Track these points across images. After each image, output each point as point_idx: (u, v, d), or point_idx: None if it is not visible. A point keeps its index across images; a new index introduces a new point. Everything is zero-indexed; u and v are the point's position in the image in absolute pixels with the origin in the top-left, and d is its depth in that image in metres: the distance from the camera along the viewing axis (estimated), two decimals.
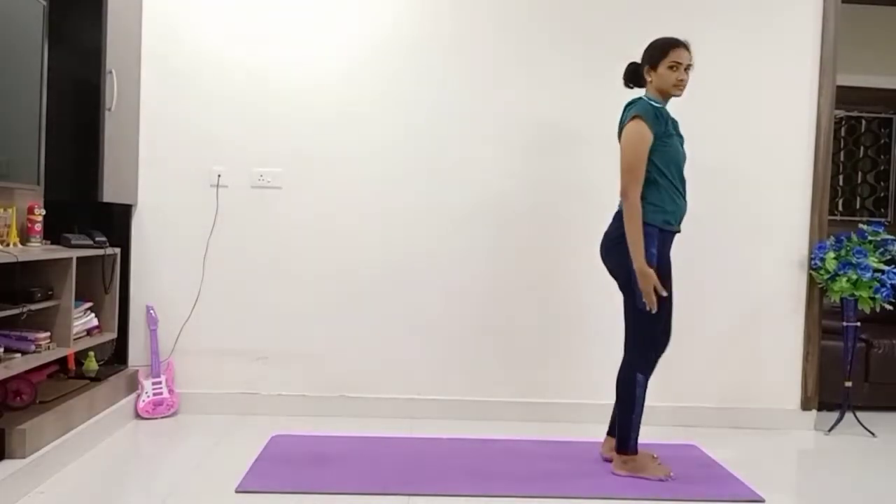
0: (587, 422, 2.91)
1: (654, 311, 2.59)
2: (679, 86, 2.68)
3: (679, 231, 2.75)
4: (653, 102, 2.69)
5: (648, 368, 2.74)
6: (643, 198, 2.62)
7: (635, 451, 2.74)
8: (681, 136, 2.78)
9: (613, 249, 2.70)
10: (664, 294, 2.60)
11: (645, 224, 2.60)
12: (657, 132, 2.63)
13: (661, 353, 2.78)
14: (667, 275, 2.70)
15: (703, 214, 3.52)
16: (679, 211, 2.72)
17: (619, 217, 2.68)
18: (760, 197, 3.55)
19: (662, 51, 2.69)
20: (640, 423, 2.74)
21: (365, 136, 3.48)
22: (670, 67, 2.66)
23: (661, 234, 2.66)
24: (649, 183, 2.65)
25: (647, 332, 2.68)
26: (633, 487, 2.64)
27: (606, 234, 2.77)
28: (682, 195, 2.73)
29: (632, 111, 2.66)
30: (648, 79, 2.72)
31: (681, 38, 2.70)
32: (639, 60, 2.77)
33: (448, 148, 3.49)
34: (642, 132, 2.61)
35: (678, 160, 2.72)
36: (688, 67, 2.68)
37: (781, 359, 3.58)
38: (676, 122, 2.79)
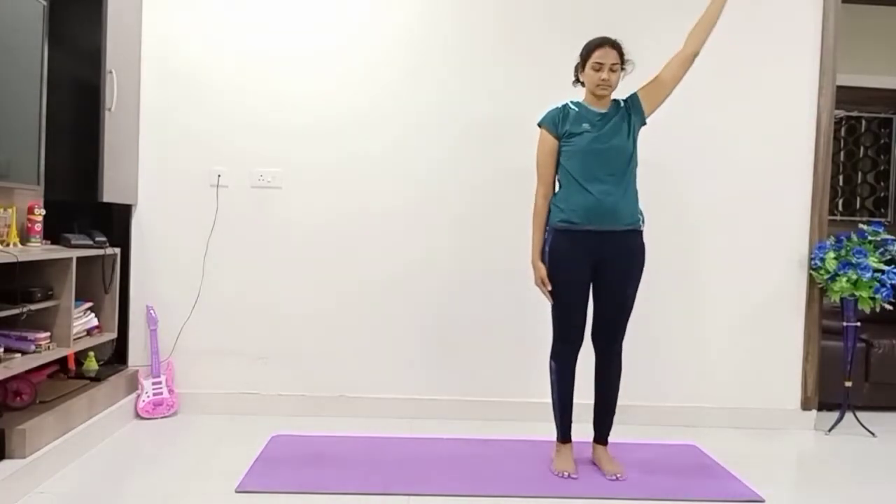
0: (586, 422, 2.90)
1: (550, 302, 2.77)
2: (602, 85, 2.68)
3: (594, 229, 2.67)
4: (570, 104, 2.77)
5: (560, 358, 2.78)
6: (553, 199, 2.78)
7: (559, 438, 2.83)
8: (600, 132, 2.68)
9: None
10: (547, 289, 2.74)
11: (546, 224, 2.78)
12: (560, 134, 2.74)
13: (572, 347, 2.77)
14: (567, 273, 2.72)
15: (704, 214, 3.53)
16: (581, 206, 2.67)
17: None
18: (760, 197, 3.55)
19: (587, 50, 2.73)
20: (560, 410, 2.81)
21: (365, 136, 3.48)
22: (593, 68, 2.69)
23: (558, 233, 2.73)
24: (560, 184, 2.79)
25: (555, 322, 2.78)
26: (634, 488, 2.64)
27: None
28: (589, 190, 2.66)
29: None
30: (582, 79, 2.78)
31: (611, 38, 2.70)
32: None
33: (447, 147, 3.49)
34: (542, 138, 2.79)
35: (581, 156, 2.68)
36: (614, 67, 2.67)
37: (781, 359, 3.58)
38: (604, 113, 2.71)
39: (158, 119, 3.43)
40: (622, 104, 2.78)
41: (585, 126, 2.70)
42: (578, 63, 2.78)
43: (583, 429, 2.90)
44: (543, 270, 2.75)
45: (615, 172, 2.69)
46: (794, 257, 3.57)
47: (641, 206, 2.78)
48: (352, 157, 3.48)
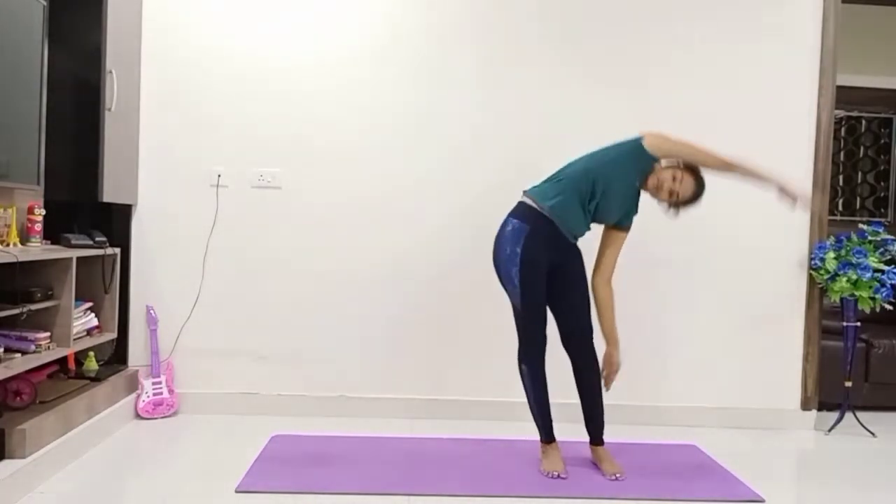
0: (578, 421, 2.90)
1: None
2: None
3: (564, 236, 2.76)
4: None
5: (533, 359, 2.77)
6: (559, 198, 2.77)
7: (541, 439, 2.84)
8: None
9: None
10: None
11: (536, 203, 2.78)
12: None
13: (541, 347, 2.78)
14: (537, 275, 2.72)
15: (703, 215, 3.52)
16: (574, 224, 2.79)
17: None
18: (760, 197, 3.54)
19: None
20: (539, 412, 2.81)
21: (365, 136, 3.48)
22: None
23: (538, 227, 2.73)
24: (566, 192, 2.76)
25: (524, 324, 2.77)
26: (634, 488, 2.64)
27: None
28: (585, 217, 2.80)
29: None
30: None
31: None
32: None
33: (448, 147, 3.49)
34: None
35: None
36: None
37: (781, 359, 3.58)
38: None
39: (158, 119, 3.43)
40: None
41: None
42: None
43: (576, 428, 2.90)
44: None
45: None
46: (794, 257, 3.57)
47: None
48: (352, 158, 3.48)
